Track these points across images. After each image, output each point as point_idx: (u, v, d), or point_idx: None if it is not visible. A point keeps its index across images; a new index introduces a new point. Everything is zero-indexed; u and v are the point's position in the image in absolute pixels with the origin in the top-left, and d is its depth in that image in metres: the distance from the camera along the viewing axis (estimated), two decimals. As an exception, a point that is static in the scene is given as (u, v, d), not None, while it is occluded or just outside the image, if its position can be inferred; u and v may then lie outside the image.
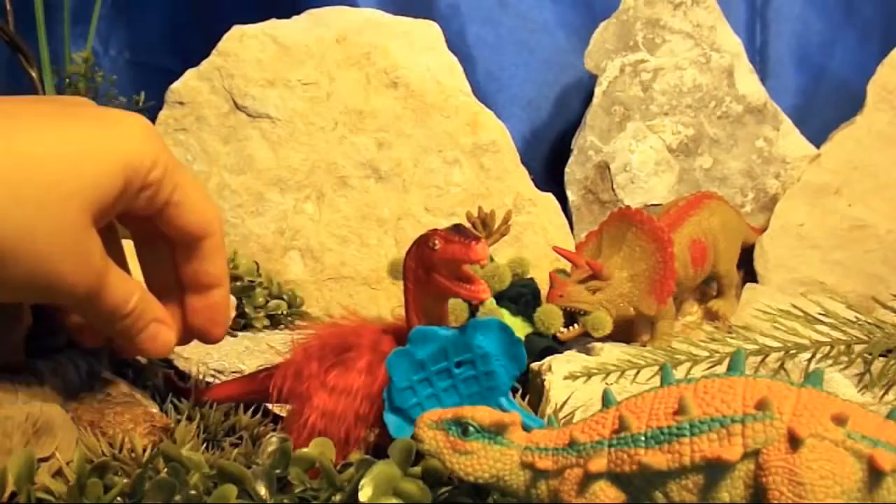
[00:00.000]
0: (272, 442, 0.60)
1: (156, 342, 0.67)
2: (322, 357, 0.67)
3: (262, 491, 0.58)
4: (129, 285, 0.65)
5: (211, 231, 0.68)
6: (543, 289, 0.94)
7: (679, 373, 0.61)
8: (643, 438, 0.53)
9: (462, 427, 0.57)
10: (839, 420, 0.51)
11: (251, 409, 0.77)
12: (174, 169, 0.64)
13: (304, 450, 0.61)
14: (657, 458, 0.52)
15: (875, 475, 0.50)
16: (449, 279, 0.62)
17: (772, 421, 0.51)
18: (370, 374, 0.66)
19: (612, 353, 0.88)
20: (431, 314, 0.65)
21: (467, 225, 0.93)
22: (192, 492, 0.58)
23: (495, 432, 0.57)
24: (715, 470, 0.51)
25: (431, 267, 0.62)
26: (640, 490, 0.53)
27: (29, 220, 0.57)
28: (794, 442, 0.50)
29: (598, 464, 0.54)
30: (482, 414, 0.57)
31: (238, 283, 0.92)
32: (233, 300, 0.85)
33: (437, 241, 0.61)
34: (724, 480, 0.51)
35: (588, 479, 0.54)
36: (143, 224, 0.68)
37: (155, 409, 0.72)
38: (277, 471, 0.59)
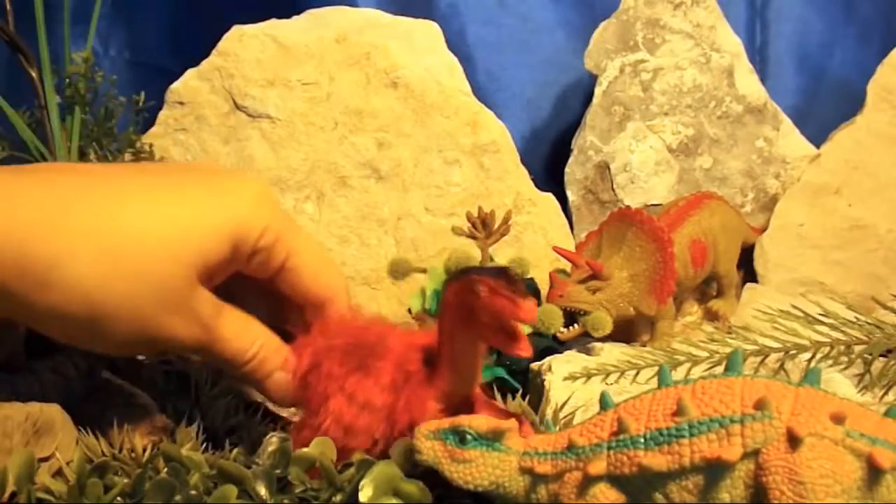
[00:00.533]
0: (272, 442, 0.60)
1: (279, 391, 0.69)
2: (345, 356, 0.65)
3: (263, 491, 0.58)
4: (250, 334, 0.67)
5: (332, 297, 0.69)
6: (543, 289, 0.94)
7: (679, 373, 0.61)
8: (642, 440, 0.53)
9: (459, 435, 0.57)
10: (838, 418, 0.51)
11: (251, 410, 0.77)
12: (288, 235, 0.66)
13: (305, 450, 0.61)
14: (657, 460, 0.52)
15: (874, 473, 0.50)
16: (492, 329, 0.58)
17: (771, 420, 0.51)
18: (393, 393, 0.64)
19: (612, 353, 0.88)
20: (465, 353, 0.62)
21: (466, 226, 0.93)
22: (193, 492, 0.58)
23: (493, 439, 0.57)
24: (715, 470, 0.51)
25: (473, 311, 0.58)
26: (640, 492, 0.53)
27: (131, 288, 0.60)
28: (794, 441, 0.50)
29: (598, 466, 0.54)
30: (479, 421, 0.57)
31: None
32: None
33: (482, 289, 0.57)
34: (724, 481, 0.51)
35: (587, 481, 0.54)
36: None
37: (155, 409, 0.72)
38: (278, 471, 0.60)
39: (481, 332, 0.59)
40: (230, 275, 0.66)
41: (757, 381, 0.53)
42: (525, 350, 0.58)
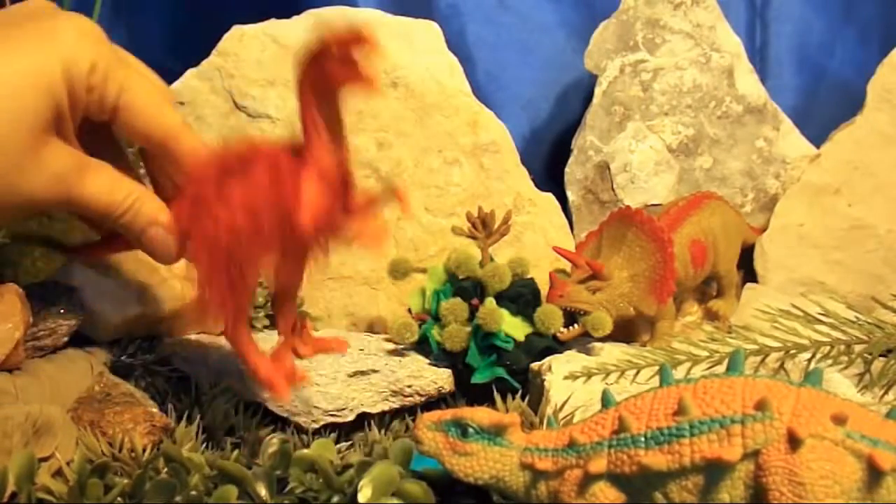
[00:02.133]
0: (273, 443, 0.61)
1: (156, 246, 0.69)
2: (217, 179, 0.67)
3: (263, 492, 0.58)
4: (121, 188, 0.67)
5: (172, 134, 0.69)
6: (543, 289, 0.94)
7: (679, 373, 0.61)
8: (643, 439, 0.53)
9: (461, 428, 0.57)
10: (838, 420, 0.51)
11: (251, 410, 0.77)
12: (118, 71, 0.66)
13: (305, 451, 0.61)
14: (657, 459, 0.52)
15: (874, 474, 0.50)
16: (341, 68, 0.63)
17: (771, 421, 0.51)
18: (273, 186, 0.65)
19: (612, 353, 0.88)
20: (328, 114, 0.66)
21: (466, 226, 0.93)
22: (193, 492, 0.58)
23: (495, 433, 0.57)
24: (715, 470, 0.51)
25: (323, 64, 0.64)
26: (640, 491, 0.53)
27: None
28: (794, 442, 0.50)
29: (598, 465, 0.54)
30: (481, 415, 0.57)
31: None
32: None
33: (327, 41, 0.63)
34: (724, 481, 0.51)
35: (588, 479, 0.54)
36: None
37: (155, 409, 0.72)
38: (278, 472, 0.60)
39: (334, 77, 0.63)
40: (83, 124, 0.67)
41: (758, 381, 0.53)
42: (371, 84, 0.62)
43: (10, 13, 0.67)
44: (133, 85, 0.67)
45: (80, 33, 0.65)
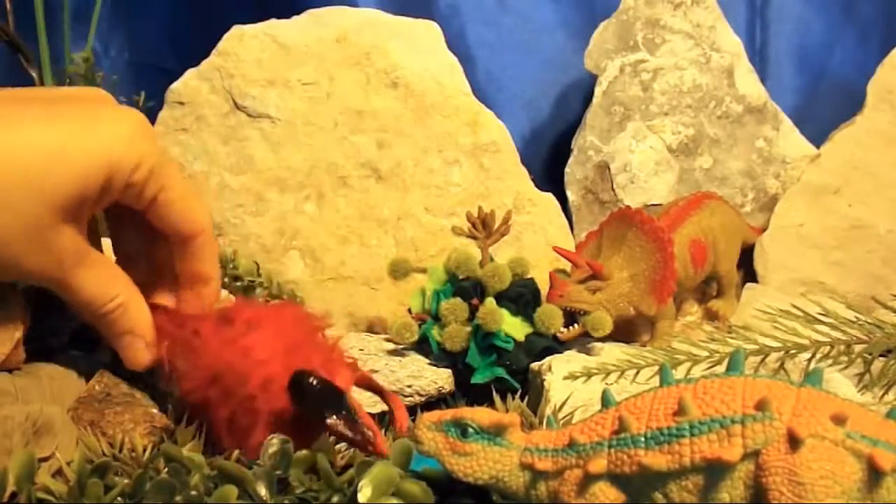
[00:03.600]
0: (273, 444, 0.60)
1: (127, 353, 0.69)
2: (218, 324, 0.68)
3: (263, 492, 0.58)
4: (111, 288, 0.66)
5: (199, 230, 0.69)
6: (543, 289, 0.94)
7: (679, 373, 0.61)
8: (643, 439, 0.53)
9: (461, 428, 0.57)
10: (838, 420, 0.51)
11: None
12: (161, 170, 0.65)
13: (305, 452, 0.61)
14: (657, 459, 0.52)
15: (875, 475, 0.50)
16: None
17: (771, 421, 0.51)
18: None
19: (612, 353, 0.88)
20: None
21: (466, 226, 0.93)
22: (193, 492, 0.58)
23: (494, 433, 0.57)
24: (715, 471, 0.51)
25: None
26: (640, 491, 0.53)
27: None
28: (794, 442, 0.50)
29: (598, 465, 0.54)
30: (481, 415, 0.57)
31: (238, 283, 0.92)
32: (231, 298, 0.85)
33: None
34: (724, 481, 0.51)
35: (588, 479, 0.54)
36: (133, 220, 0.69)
37: (155, 409, 0.72)
38: (278, 472, 0.60)
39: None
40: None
41: (759, 381, 0.53)
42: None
43: (68, 91, 0.66)
44: (174, 184, 0.66)
45: (134, 130, 0.64)
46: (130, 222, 0.70)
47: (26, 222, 0.60)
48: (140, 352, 0.69)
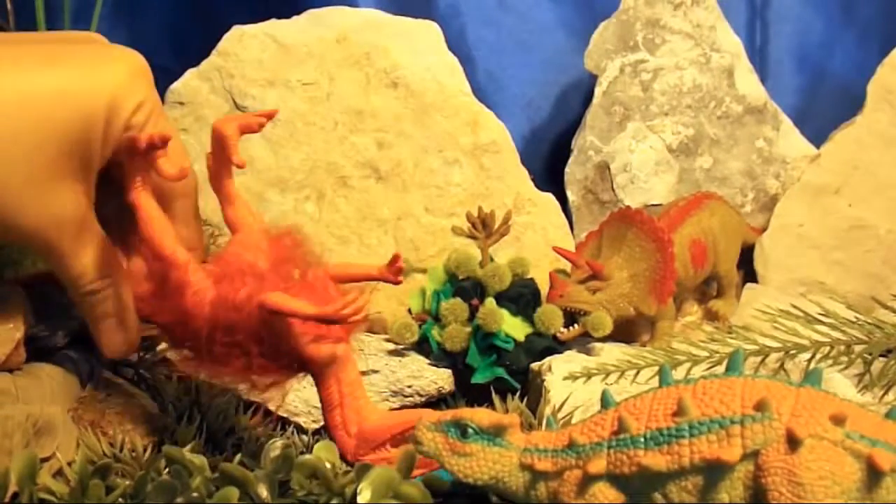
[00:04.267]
0: (275, 447, 0.61)
1: (104, 338, 0.66)
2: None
3: (264, 494, 0.58)
4: (104, 268, 0.64)
5: (186, 192, 0.68)
6: (543, 289, 0.94)
7: (679, 373, 0.61)
8: (642, 440, 0.53)
9: (461, 429, 0.57)
10: (838, 420, 0.51)
11: (251, 410, 0.77)
12: (159, 116, 0.63)
13: (307, 457, 0.61)
14: (656, 460, 0.52)
15: (874, 475, 0.50)
16: None
17: (771, 422, 0.51)
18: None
19: (612, 353, 0.88)
20: None
21: (466, 226, 0.93)
22: (195, 494, 0.58)
23: (494, 434, 0.57)
24: (714, 471, 0.51)
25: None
26: (639, 491, 0.53)
27: None
28: (793, 442, 0.50)
29: (598, 465, 0.54)
30: (481, 416, 0.58)
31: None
32: None
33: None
34: (724, 481, 0.51)
35: (587, 480, 0.54)
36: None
37: (155, 409, 0.72)
38: (279, 475, 0.60)
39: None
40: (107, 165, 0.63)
41: (758, 381, 0.53)
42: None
43: (59, 34, 0.65)
44: (170, 131, 0.63)
45: (134, 69, 0.62)
46: (110, 185, 0.67)
47: (29, 168, 0.58)
48: (117, 339, 0.66)
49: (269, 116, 0.68)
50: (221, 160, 0.66)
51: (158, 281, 0.63)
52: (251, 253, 0.64)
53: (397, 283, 0.70)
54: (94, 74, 0.60)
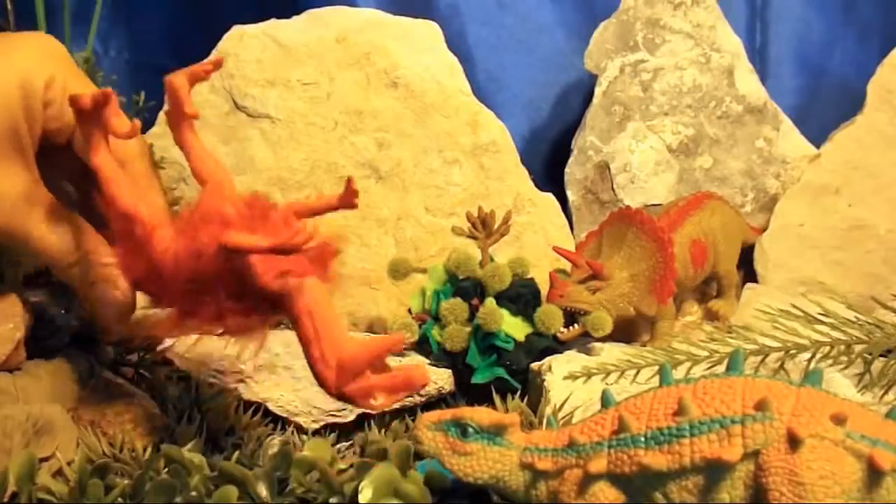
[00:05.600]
0: (273, 444, 0.61)
1: (99, 311, 0.66)
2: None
3: (263, 493, 0.58)
4: (72, 236, 0.64)
5: (129, 157, 0.66)
6: (543, 289, 0.94)
7: (679, 373, 0.61)
8: (643, 439, 0.53)
9: (461, 428, 0.57)
10: (838, 420, 0.51)
11: (251, 410, 0.77)
12: (77, 87, 0.64)
13: (306, 454, 0.61)
14: (657, 459, 0.52)
15: (874, 475, 0.50)
16: None
17: (771, 421, 0.51)
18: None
19: (612, 353, 0.88)
20: None
21: (466, 226, 0.93)
22: (193, 493, 0.58)
23: (495, 433, 0.57)
24: (715, 471, 0.51)
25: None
26: (640, 490, 0.53)
27: None
28: (794, 442, 0.50)
29: (598, 465, 0.54)
30: (481, 415, 0.58)
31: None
32: None
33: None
34: (724, 481, 0.51)
35: (588, 479, 0.54)
36: None
37: (155, 409, 0.72)
38: (278, 473, 0.60)
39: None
40: (41, 141, 0.64)
41: (758, 381, 0.53)
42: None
43: None
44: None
45: (40, 49, 0.64)
46: (63, 168, 0.68)
47: None
48: (111, 310, 0.65)
49: (217, 64, 0.69)
50: (178, 114, 0.66)
51: (125, 238, 0.63)
52: (216, 200, 0.64)
53: (354, 206, 0.68)
54: (4, 59, 0.62)
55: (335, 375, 0.62)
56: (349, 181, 0.67)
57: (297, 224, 0.62)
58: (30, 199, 0.62)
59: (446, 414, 0.58)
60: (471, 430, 0.57)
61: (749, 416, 0.51)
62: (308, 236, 0.61)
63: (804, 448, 0.50)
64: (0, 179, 0.61)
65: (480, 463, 0.57)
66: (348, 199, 0.68)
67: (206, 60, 0.68)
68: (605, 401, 0.57)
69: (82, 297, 0.67)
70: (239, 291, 0.62)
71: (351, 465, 0.60)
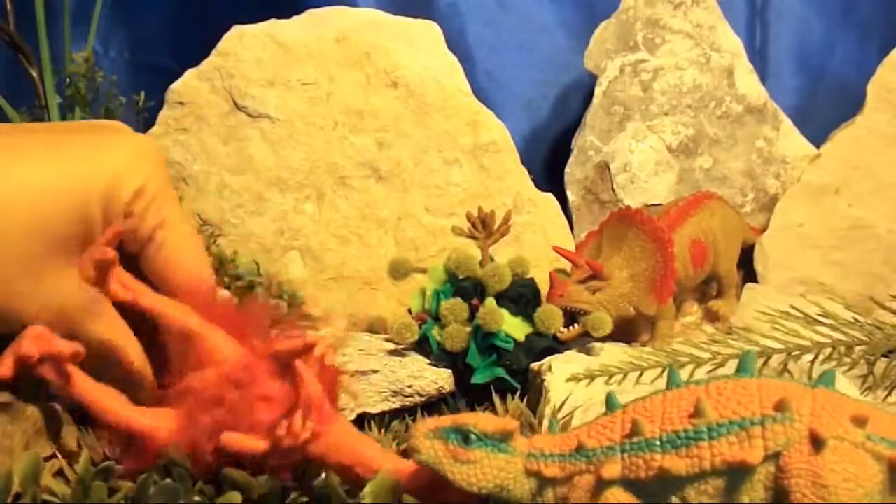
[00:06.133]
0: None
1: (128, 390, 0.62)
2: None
3: (266, 499, 0.58)
4: (133, 347, 0.62)
5: (193, 285, 0.63)
6: (543, 289, 0.94)
7: (682, 375, 0.61)
8: (658, 443, 0.52)
9: (463, 435, 0.54)
10: (859, 421, 0.50)
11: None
12: (164, 203, 0.61)
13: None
14: (676, 463, 0.51)
15: (895, 477, 0.50)
16: None
17: (792, 423, 0.50)
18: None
19: (613, 353, 0.88)
20: None
21: (466, 226, 0.93)
22: (197, 498, 0.58)
23: (499, 439, 0.55)
24: (735, 473, 0.50)
25: None
26: (655, 494, 0.52)
27: None
28: (817, 443, 0.50)
29: (612, 470, 0.52)
30: (484, 421, 0.55)
31: (238, 283, 0.92)
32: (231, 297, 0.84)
33: None
34: (745, 483, 0.50)
35: (600, 485, 0.53)
36: None
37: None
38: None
39: None
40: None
41: (774, 382, 0.52)
42: None
43: (77, 123, 0.62)
44: (177, 224, 0.62)
45: (137, 152, 0.60)
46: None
47: (23, 260, 0.56)
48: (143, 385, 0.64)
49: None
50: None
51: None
52: (205, 375, 0.60)
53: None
54: (91, 161, 0.59)
55: None
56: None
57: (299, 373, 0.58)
58: (85, 308, 0.59)
59: (445, 421, 0.56)
60: (473, 437, 0.54)
61: (769, 416, 0.50)
62: (303, 437, 0.57)
63: (827, 449, 0.49)
64: (57, 290, 0.58)
65: (485, 471, 0.55)
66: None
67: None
68: (610, 404, 0.56)
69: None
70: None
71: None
